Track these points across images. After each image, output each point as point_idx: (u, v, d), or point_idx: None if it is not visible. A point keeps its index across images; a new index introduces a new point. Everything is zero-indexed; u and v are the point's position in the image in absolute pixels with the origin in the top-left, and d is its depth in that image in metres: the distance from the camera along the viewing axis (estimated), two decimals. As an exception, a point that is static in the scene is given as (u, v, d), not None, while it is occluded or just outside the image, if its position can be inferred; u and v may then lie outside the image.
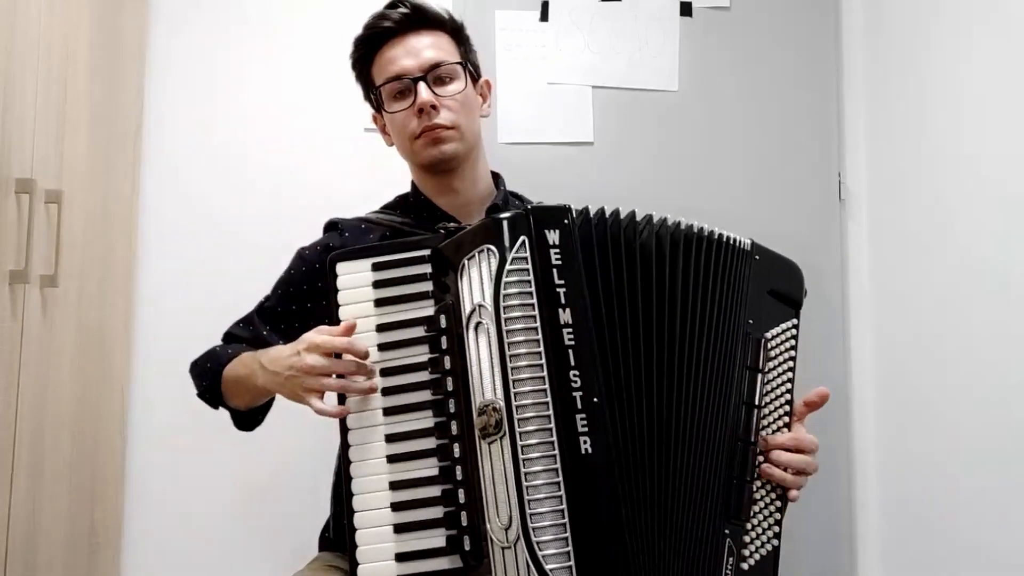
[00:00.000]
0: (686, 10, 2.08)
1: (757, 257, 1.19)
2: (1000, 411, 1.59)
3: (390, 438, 1.08)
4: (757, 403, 1.13)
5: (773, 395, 1.16)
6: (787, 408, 1.16)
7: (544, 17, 2.06)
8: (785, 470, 1.12)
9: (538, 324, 1.02)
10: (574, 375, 1.01)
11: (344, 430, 1.10)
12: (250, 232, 1.97)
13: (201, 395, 1.36)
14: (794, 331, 1.19)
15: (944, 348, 1.75)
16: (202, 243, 1.97)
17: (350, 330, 1.11)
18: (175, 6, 2.02)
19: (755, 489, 1.11)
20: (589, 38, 2.06)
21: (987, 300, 1.62)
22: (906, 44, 1.93)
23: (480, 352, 1.04)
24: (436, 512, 1.05)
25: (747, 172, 2.06)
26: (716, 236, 1.16)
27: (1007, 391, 1.57)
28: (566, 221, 1.06)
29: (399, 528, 1.05)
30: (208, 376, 1.33)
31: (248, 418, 1.37)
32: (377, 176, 1.94)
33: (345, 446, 1.09)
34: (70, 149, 1.60)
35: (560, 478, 0.98)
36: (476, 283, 1.06)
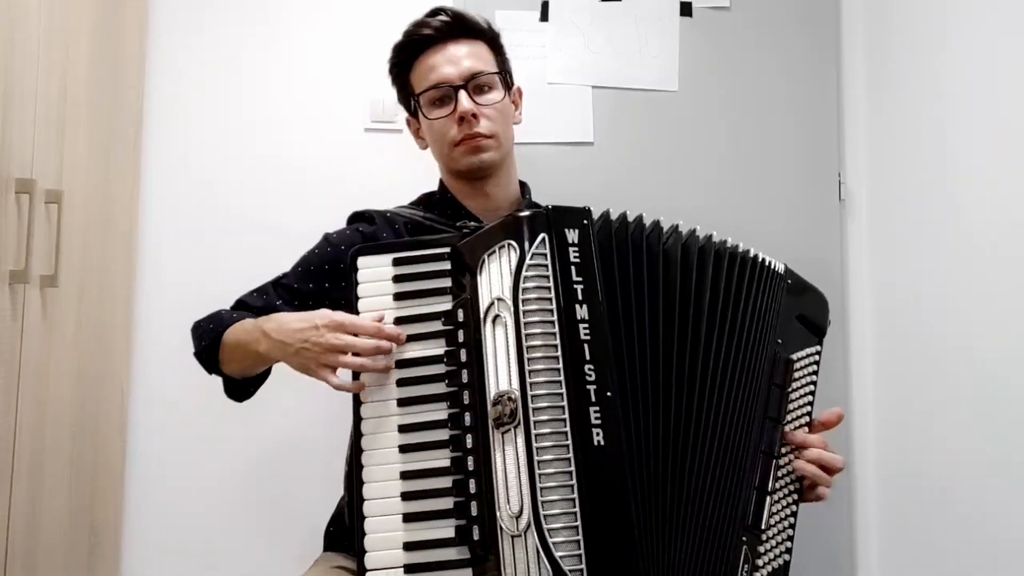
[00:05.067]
0: (686, 10, 2.08)
1: (789, 281, 1.23)
2: (1000, 411, 1.59)
3: (403, 428, 1.09)
4: (781, 419, 1.15)
5: (794, 415, 1.18)
6: (805, 431, 1.19)
7: (544, 17, 2.06)
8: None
9: (555, 318, 1.05)
10: (589, 369, 1.04)
11: (357, 419, 1.11)
12: (250, 232, 1.97)
13: (198, 355, 1.34)
14: (817, 357, 1.22)
15: (944, 348, 1.75)
16: (202, 243, 1.97)
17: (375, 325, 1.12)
18: (175, 6, 2.01)
19: (774, 501, 1.12)
20: (589, 38, 2.06)
21: (987, 300, 1.62)
22: (906, 44, 1.93)
23: (496, 344, 1.06)
24: (446, 503, 1.06)
25: (747, 172, 2.05)
26: (748, 255, 1.20)
27: (1007, 391, 1.57)
28: (585, 222, 1.10)
29: (408, 517, 1.06)
30: (208, 336, 1.31)
31: (240, 387, 1.35)
32: (379, 175, 1.95)
33: (358, 435, 1.10)
34: (70, 149, 1.60)
35: (572, 468, 1.01)
36: (496, 277, 1.09)
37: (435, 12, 1.40)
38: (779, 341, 1.18)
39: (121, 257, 1.87)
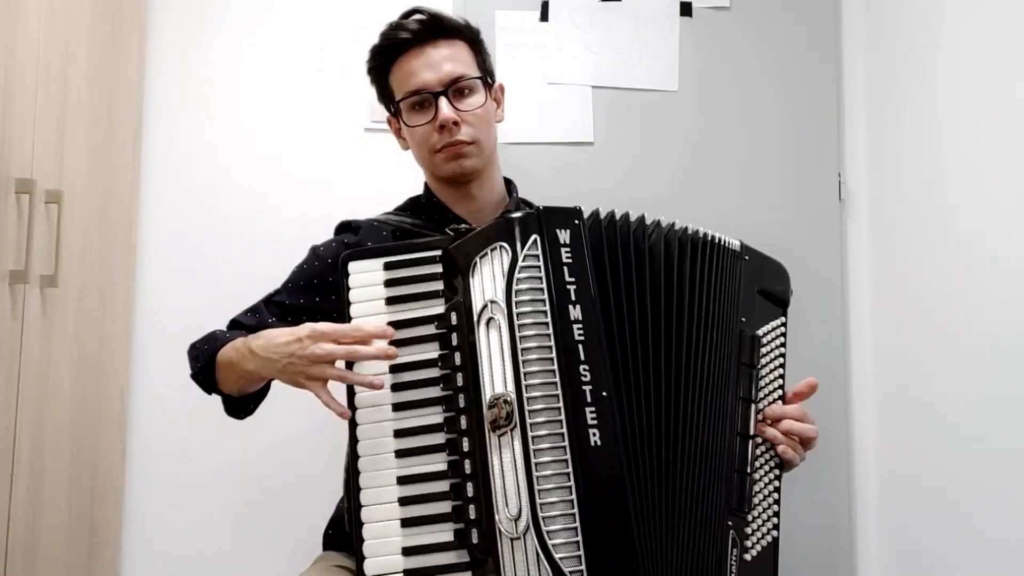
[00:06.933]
0: (686, 10, 2.08)
1: (747, 258, 1.23)
2: (999, 410, 1.59)
3: (399, 433, 1.09)
4: (753, 398, 1.17)
5: (765, 391, 1.19)
6: (779, 404, 1.20)
7: (544, 17, 2.06)
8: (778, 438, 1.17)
9: (549, 320, 1.05)
10: (583, 369, 1.04)
11: (353, 425, 1.11)
12: (250, 231, 1.97)
13: (194, 377, 1.33)
14: (783, 329, 1.23)
15: (944, 347, 1.75)
16: (202, 243, 1.97)
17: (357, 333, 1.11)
18: (175, 6, 2.01)
19: (755, 481, 1.14)
20: (589, 38, 2.06)
21: (987, 299, 1.62)
22: (907, 43, 1.93)
23: (491, 346, 1.06)
24: (444, 507, 1.06)
25: (747, 172, 2.05)
26: (712, 238, 1.20)
27: (1007, 390, 1.57)
28: (577, 222, 1.11)
29: (407, 522, 1.06)
30: (203, 357, 1.30)
31: (239, 405, 1.35)
32: (379, 175, 1.95)
33: (354, 440, 1.10)
34: (70, 149, 1.60)
35: (569, 469, 1.01)
36: (488, 280, 1.09)
37: (411, 12, 1.37)
38: (743, 319, 1.19)
39: (121, 257, 1.87)
